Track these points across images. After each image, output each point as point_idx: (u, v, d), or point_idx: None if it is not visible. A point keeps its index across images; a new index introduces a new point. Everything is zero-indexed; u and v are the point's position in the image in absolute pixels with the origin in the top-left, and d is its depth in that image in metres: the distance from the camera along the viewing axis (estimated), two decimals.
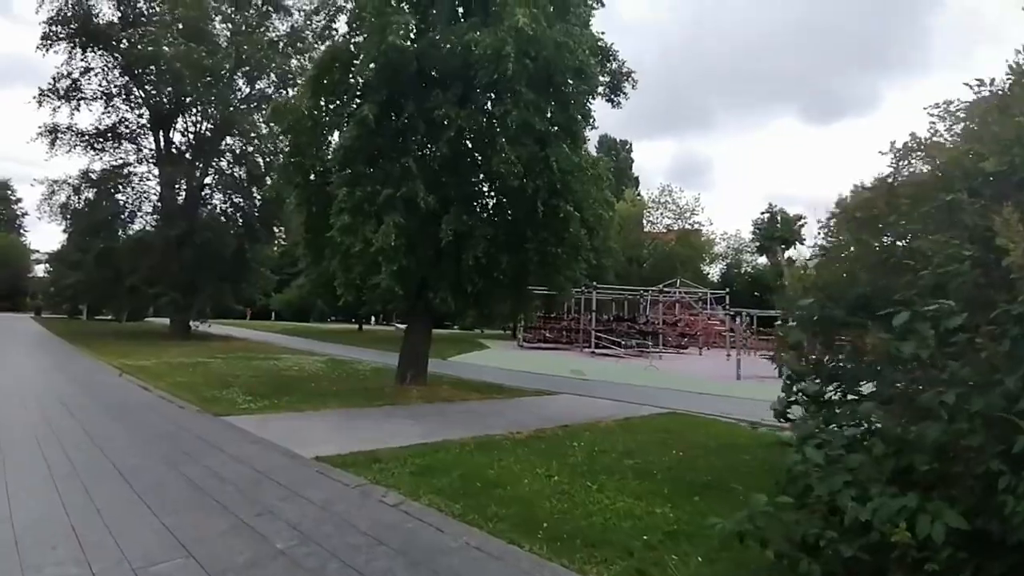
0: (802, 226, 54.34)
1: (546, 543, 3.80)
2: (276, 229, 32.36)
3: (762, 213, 57.33)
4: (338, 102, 12.75)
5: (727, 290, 35.83)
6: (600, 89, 12.79)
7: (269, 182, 30.16)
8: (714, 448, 7.32)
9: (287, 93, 29.80)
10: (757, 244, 56.28)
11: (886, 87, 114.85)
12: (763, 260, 55.61)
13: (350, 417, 8.89)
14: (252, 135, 28.97)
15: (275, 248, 37.05)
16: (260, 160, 29.95)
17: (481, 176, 12.81)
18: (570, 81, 11.70)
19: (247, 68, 29.61)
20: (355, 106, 12.15)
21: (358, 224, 10.89)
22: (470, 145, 12.11)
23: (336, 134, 12.98)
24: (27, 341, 22.63)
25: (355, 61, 11.93)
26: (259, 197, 29.82)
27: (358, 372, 15.56)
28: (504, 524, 4.14)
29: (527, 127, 10.71)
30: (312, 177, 13.05)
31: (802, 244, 51.95)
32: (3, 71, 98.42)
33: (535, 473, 5.67)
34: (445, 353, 20.93)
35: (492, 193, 13.01)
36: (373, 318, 47.41)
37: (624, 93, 13.29)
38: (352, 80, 12.34)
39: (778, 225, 55.20)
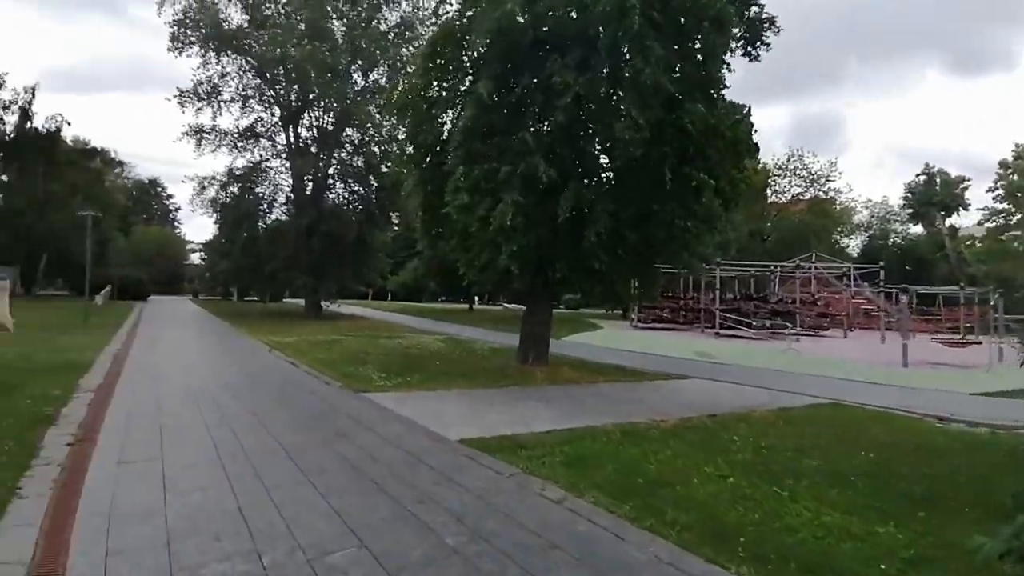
0: (966, 189, 46.57)
1: (752, 565, 3.19)
2: (392, 215, 33.82)
3: (917, 175, 49.91)
4: (450, 80, 12.59)
5: (880, 264, 31.39)
6: (735, 42, 11.30)
7: (384, 170, 31.71)
8: (910, 449, 6.15)
9: (398, 82, 30.99)
10: (910, 211, 49.16)
11: None
12: (917, 229, 48.54)
13: (480, 398, 8.77)
14: (368, 126, 30.31)
15: (390, 233, 38.85)
16: (376, 149, 31.39)
17: (601, 147, 12.06)
18: (705, 33, 10.51)
19: (361, 61, 30.97)
20: (467, 85, 11.95)
21: (475, 203, 10.66)
22: (586, 115, 11.38)
23: (449, 114, 12.91)
24: (190, 321, 25.79)
25: (467, 37, 11.62)
26: (376, 185, 31.37)
27: (477, 351, 15.68)
28: (690, 535, 3.58)
29: (655, 87, 9.74)
30: (428, 159, 13.12)
31: (965, 210, 44.58)
32: (134, 76, 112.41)
33: (703, 472, 5.02)
34: (557, 333, 20.51)
35: (613, 164, 12.16)
36: (477, 298, 48.58)
37: (765, 43, 11.65)
38: (464, 57, 12.12)
39: (937, 188, 47.73)
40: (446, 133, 12.95)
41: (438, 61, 12.00)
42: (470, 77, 12.07)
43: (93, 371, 9.81)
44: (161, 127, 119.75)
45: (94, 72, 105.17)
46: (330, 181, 32.51)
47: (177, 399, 7.96)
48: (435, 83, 12.40)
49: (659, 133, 10.42)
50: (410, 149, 14.08)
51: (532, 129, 11.25)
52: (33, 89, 37.73)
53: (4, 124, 35.09)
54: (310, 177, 31.16)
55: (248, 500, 4.03)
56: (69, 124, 39.19)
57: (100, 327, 18.91)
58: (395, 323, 27.21)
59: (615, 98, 11.21)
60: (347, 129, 31.55)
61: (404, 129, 14.76)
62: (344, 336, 18.25)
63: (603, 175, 12.45)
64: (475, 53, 11.37)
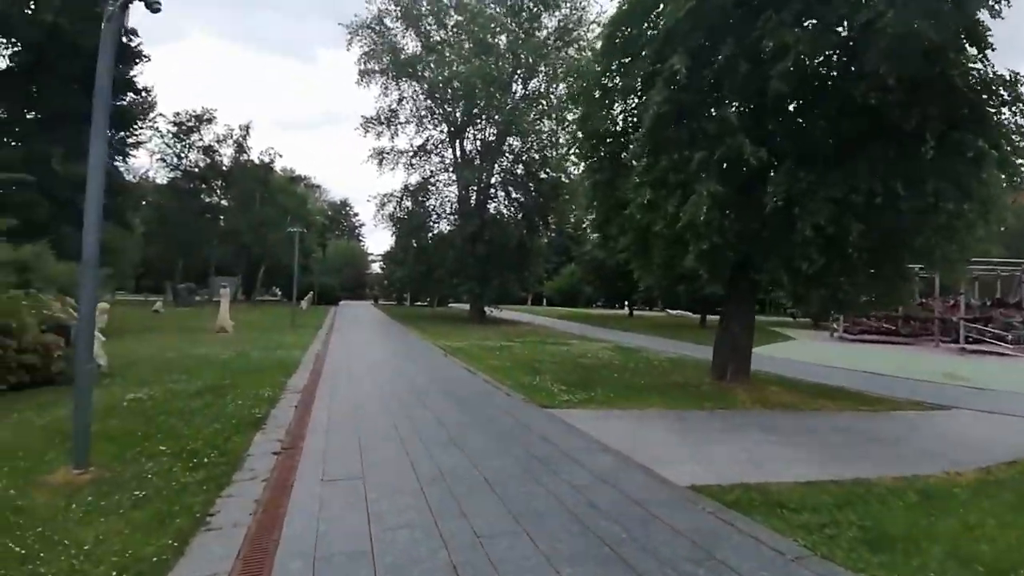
0: None
1: None
2: (550, 220, 33.57)
3: None
4: (631, 61, 11.32)
5: None
6: None
7: (544, 176, 31.57)
8: None
9: (557, 88, 30.74)
10: None
11: None
12: None
13: (686, 423, 7.36)
14: (529, 134, 30.39)
15: (547, 238, 38.71)
16: (536, 156, 31.43)
17: (825, 118, 9.83)
18: None
19: (522, 71, 31.31)
20: (650, 67, 10.59)
21: (660, 199, 9.28)
22: (806, 81, 9.30)
23: (625, 103, 11.70)
24: (372, 323, 28.08)
25: (658, 7, 10.28)
26: (535, 191, 31.40)
27: (654, 363, 14.12)
28: None
29: (908, 37, 7.45)
30: (600, 151, 12.01)
31: None
32: (326, 112, 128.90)
33: None
34: None
35: (839, 138, 9.85)
36: (627, 303, 46.30)
37: None
38: (652, 32, 10.79)
39: None
40: (620, 123, 11.83)
41: (617, 40, 10.88)
42: (653, 58, 10.77)
43: (299, 372, 10.48)
44: (349, 153, 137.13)
45: (293, 109, 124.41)
46: (492, 190, 33.35)
47: (370, 402, 7.93)
48: (613, 67, 11.29)
49: (913, 93, 8.07)
50: (580, 142, 13.12)
51: (734, 107, 9.56)
52: (247, 127, 45.41)
53: (220, 155, 42.36)
54: (474, 188, 32.29)
55: (462, 555, 3.26)
56: (280, 156, 46.42)
57: (304, 328, 21.25)
58: (555, 329, 26.63)
59: (846, 57, 9.05)
60: (508, 139, 32.07)
61: (566, 130, 13.89)
62: (511, 342, 17.98)
63: (822, 154, 10.21)
64: (666, 25, 10.02)
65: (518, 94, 31.98)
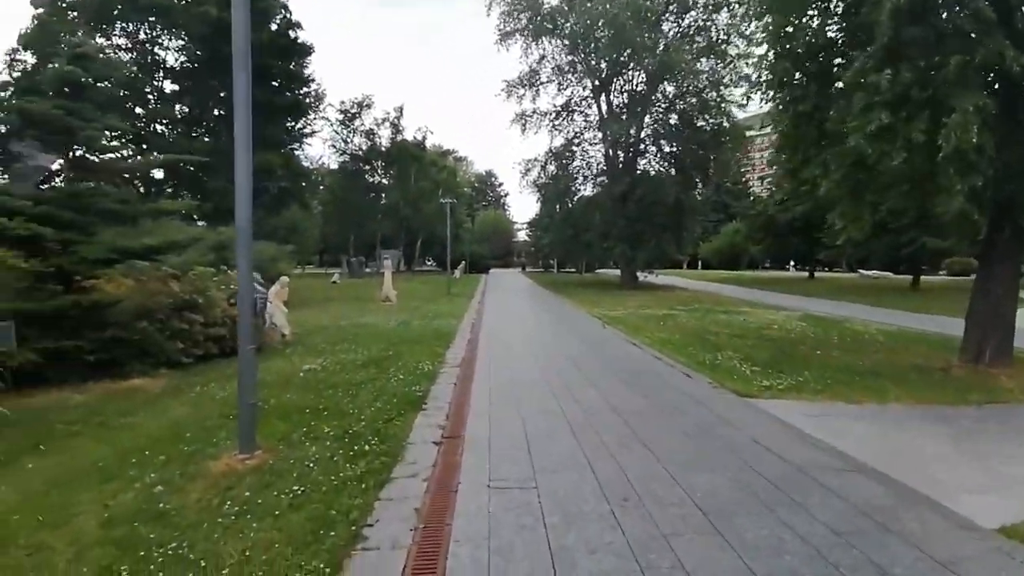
0: None
1: None
2: (710, 172, 30.10)
3: None
4: None
5: None
6: None
7: (701, 123, 28.16)
8: None
9: (719, 17, 26.85)
10: None
11: None
12: None
13: (952, 424, 5.35)
14: (687, 75, 27.10)
15: (700, 193, 34.91)
16: (694, 100, 28.10)
17: None
18: None
19: (675, 4, 27.89)
20: None
21: (900, 123, 6.92)
22: None
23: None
24: (522, 290, 27.97)
25: None
26: (692, 143, 28.21)
27: (864, 337, 11.44)
28: None
29: None
30: (801, 74, 9.54)
31: None
32: (468, 87, 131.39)
33: None
34: (951, 309, 14.07)
35: None
36: (805, 264, 40.03)
37: None
38: None
39: None
40: (829, 32, 9.26)
41: None
42: None
43: (456, 342, 10.19)
44: (492, 125, 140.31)
45: (438, 84, 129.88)
46: (642, 145, 30.82)
47: (531, 380, 7.18)
48: None
49: None
50: (763, 77, 10.66)
51: None
52: (400, 108, 47.92)
53: (380, 137, 45.15)
54: (622, 144, 30.08)
55: None
56: (432, 132, 48.39)
57: (458, 296, 21.70)
58: (721, 294, 23.87)
59: None
60: (660, 86, 29.09)
61: (740, 60, 11.37)
62: (674, 310, 16.19)
63: None
64: None
65: (671, 33, 28.68)
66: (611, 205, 28.71)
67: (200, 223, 20.48)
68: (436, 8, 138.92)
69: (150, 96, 21.68)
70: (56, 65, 6.41)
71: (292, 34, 23.64)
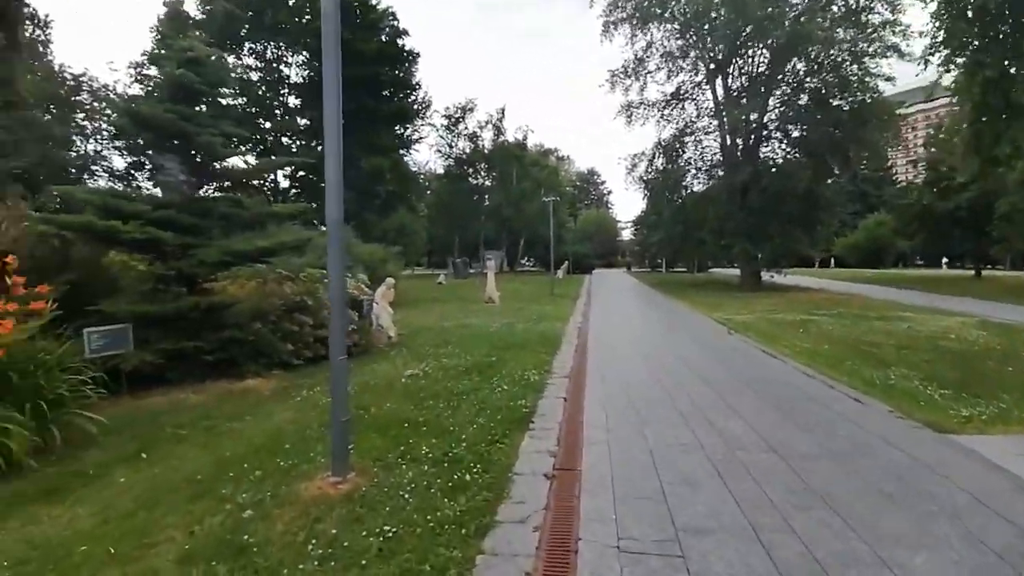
0: None
1: None
2: (850, 157, 26.42)
3: None
4: None
5: None
6: None
7: (838, 102, 24.78)
8: None
9: None
10: None
11: None
12: None
13: None
14: (825, 47, 23.94)
15: (837, 181, 30.79)
16: (830, 77, 24.79)
17: None
18: None
19: None
20: None
21: None
22: None
23: None
24: (629, 291, 26.50)
25: None
26: (829, 125, 24.89)
27: None
28: None
29: None
30: (989, 36, 7.52)
31: None
32: (569, 85, 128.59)
33: None
34: None
35: None
36: (945, 261, 33.69)
37: None
38: None
39: None
40: None
41: None
42: None
43: (562, 349, 9.40)
44: (594, 123, 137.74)
45: (539, 84, 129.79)
46: (765, 131, 27.89)
47: (654, 397, 6.19)
48: None
49: None
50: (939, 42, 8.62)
51: None
52: (502, 110, 48.48)
53: (482, 139, 45.64)
54: (741, 131, 27.44)
55: None
56: (532, 132, 48.19)
57: (562, 297, 20.92)
58: (868, 296, 20.70)
59: None
60: (790, 62, 26.07)
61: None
62: (812, 315, 14.08)
63: None
64: None
65: (800, 4, 25.59)
66: (728, 198, 26.29)
67: (322, 227, 21.75)
68: (539, 9, 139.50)
69: (277, 111, 23.45)
70: (167, 70, 6.60)
71: (400, 42, 24.36)
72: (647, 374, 7.56)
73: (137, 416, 5.54)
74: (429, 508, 3.41)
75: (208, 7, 21.01)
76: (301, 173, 23.65)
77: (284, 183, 23.79)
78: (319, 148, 24.89)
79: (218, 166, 7.14)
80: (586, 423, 5.26)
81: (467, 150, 45.52)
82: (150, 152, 7.58)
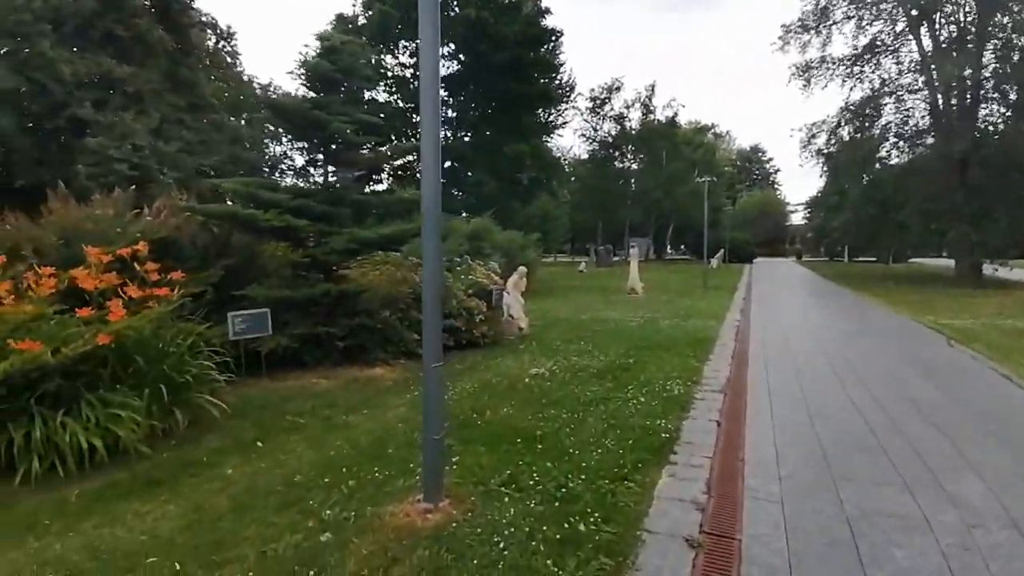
0: None
1: None
2: None
3: None
4: None
5: None
6: None
7: None
8: None
9: None
10: None
11: None
12: None
13: None
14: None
15: None
16: None
17: None
18: None
19: None
20: None
21: None
22: None
23: None
24: (804, 285, 22.95)
25: None
26: None
27: None
28: None
29: None
30: None
31: None
32: (728, 57, 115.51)
33: None
34: None
35: None
36: None
37: None
38: None
39: None
40: None
41: None
42: None
43: (716, 353, 7.98)
44: (759, 94, 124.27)
45: (694, 58, 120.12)
46: (981, 91, 21.91)
47: (848, 438, 4.65)
48: None
49: None
50: None
51: None
52: (652, 86, 45.31)
53: (629, 120, 43.08)
54: (955, 91, 21.92)
55: None
56: (683, 107, 44.54)
57: (716, 289, 18.73)
58: None
59: None
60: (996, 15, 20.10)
61: None
62: None
63: None
64: None
65: None
66: (941, 172, 21.25)
67: (463, 214, 22.26)
68: None
69: None
70: (307, 61, 6.66)
71: (542, 21, 23.70)
72: (836, 398, 5.91)
73: (268, 400, 5.63)
74: (526, 570, 2.64)
75: (368, 11, 22.55)
76: (448, 163, 24.42)
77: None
78: (465, 138, 25.57)
79: (353, 155, 7.09)
80: (749, 463, 4.05)
81: (613, 132, 43.62)
82: (293, 143, 7.88)
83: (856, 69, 25.37)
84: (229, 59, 28.26)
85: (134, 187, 7.83)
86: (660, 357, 7.54)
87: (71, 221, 6.30)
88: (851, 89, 26.10)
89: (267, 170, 25.20)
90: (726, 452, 4.25)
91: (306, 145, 7.56)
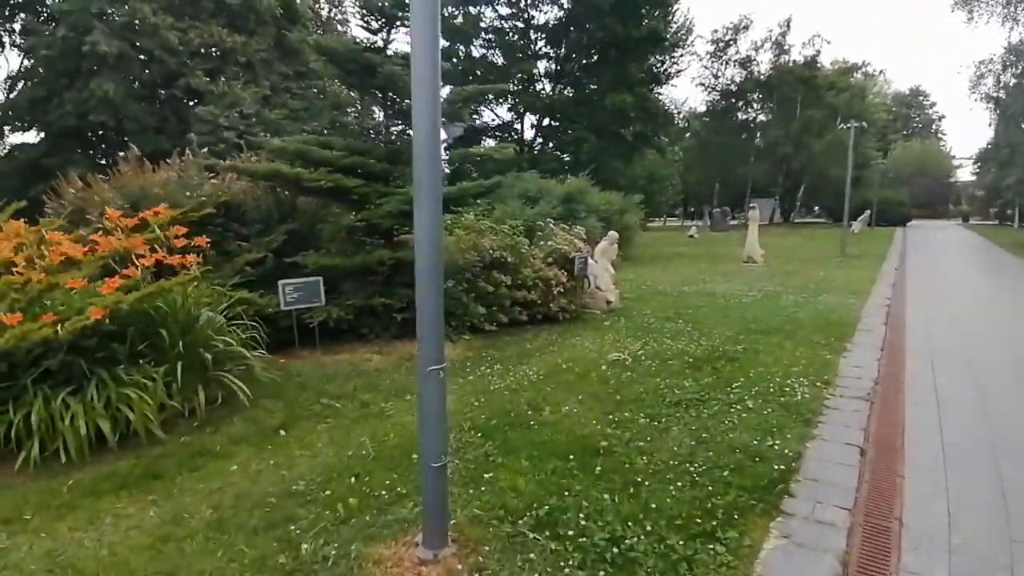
0: None
1: None
2: None
3: None
4: None
5: None
6: None
7: None
8: None
9: None
10: None
11: None
12: None
13: None
14: None
15: None
16: None
17: None
18: None
19: None
20: None
21: None
22: None
23: None
24: (972, 253, 18.81)
25: None
26: None
27: None
28: None
29: None
30: None
31: None
32: None
33: None
34: None
35: None
36: None
37: None
38: None
39: None
40: None
41: None
42: None
43: (857, 341, 6.27)
44: (921, 24, 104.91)
45: None
46: None
47: None
48: None
49: None
50: None
51: None
52: (787, 22, 39.36)
53: (758, 63, 37.74)
54: None
55: None
56: (829, 43, 38.25)
57: (859, 259, 15.79)
58: None
59: None
60: None
61: None
62: None
63: None
64: None
65: None
66: None
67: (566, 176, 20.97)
68: None
69: (526, 56, 23.02)
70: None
71: None
72: None
73: (311, 377, 5.16)
74: None
75: None
76: (547, 121, 23.03)
77: (529, 134, 23.57)
78: (567, 92, 23.85)
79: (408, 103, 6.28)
80: (909, 526, 2.72)
81: (737, 79, 38.81)
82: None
83: (1012, 9, 19.71)
84: (340, 28, 28.95)
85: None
86: (779, 345, 6.04)
87: (139, 185, 6.25)
88: (1010, 30, 20.45)
89: (371, 134, 25.66)
90: (872, 501, 2.94)
91: (366, 98, 6.86)
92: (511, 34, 22.50)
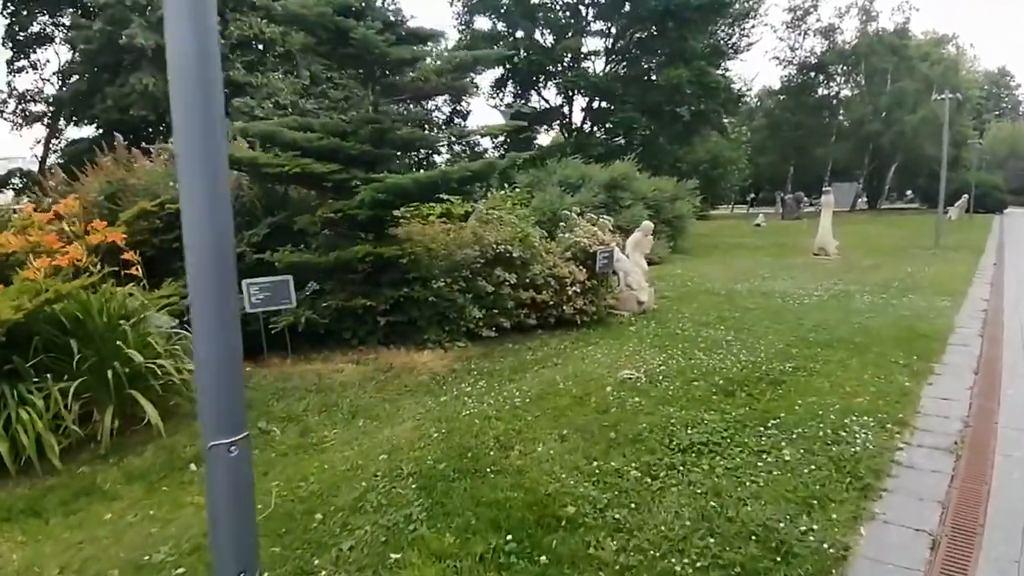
0: None
1: None
2: None
3: None
4: None
5: None
6: None
7: None
8: None
9: None
10: None
11: None
12: None
13: None
14: None
15: None
16: None
17: None
18: None
19: None
20: None
21: None
22: None
23: None
24: None
25: None
26: None
27: None
28: None
29: None
30: None
31: None
32: None
33: None
34: None
35: None
36: None
37: None
38: None
39: None
40: None
41: None
42: None
43: (948, 360, 4.89)
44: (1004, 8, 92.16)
45: None
46: None
47: None
48: None
49: None
50: None
51: None
52: None
53: (841, 32, 33.98)
54: None
55: None
56: (917, 10, 33.90)
57: (954, 251, 13.55)
58: None
59: None
60: None
61: None
62: None
63: None
64: None
65: None
66: None
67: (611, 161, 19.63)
68: None
69: (575, 33, 21.68)
70: None
71: None
72: None
73: (264, 393, 4.52)
74: None
75: None
76: (596, 104, 21.53)
77: (578, 117, 22.19)
78: (619, 71, 22.30)
79: (399, 79, 5.50)
80: None
81: (818, 50, 35.25)
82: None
83: None
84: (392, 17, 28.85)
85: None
86: (842, 363, 4.79)
87: (118, 176, 5.89)
88: None
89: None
90: None
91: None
92: (561, 11, 21.21)
